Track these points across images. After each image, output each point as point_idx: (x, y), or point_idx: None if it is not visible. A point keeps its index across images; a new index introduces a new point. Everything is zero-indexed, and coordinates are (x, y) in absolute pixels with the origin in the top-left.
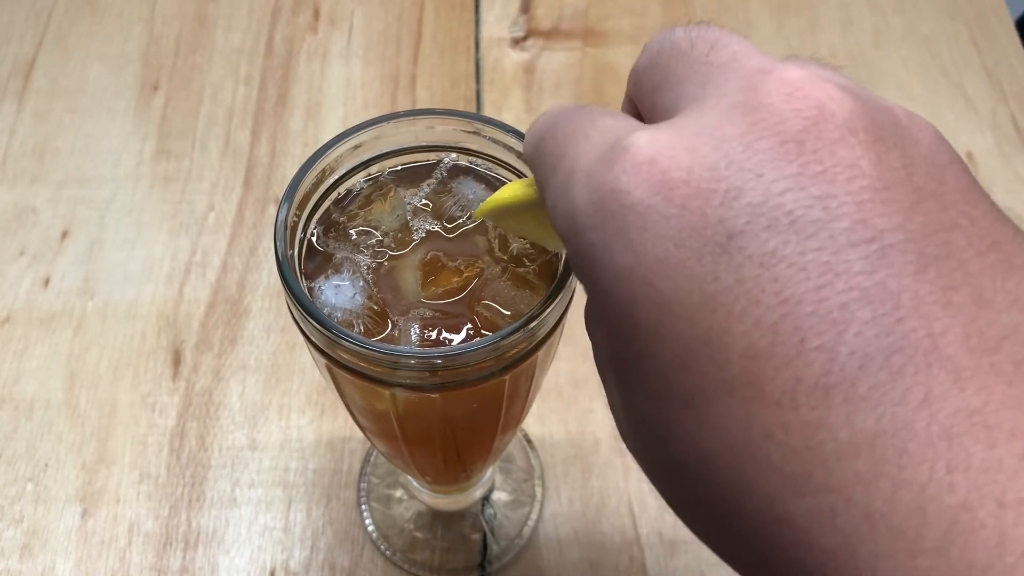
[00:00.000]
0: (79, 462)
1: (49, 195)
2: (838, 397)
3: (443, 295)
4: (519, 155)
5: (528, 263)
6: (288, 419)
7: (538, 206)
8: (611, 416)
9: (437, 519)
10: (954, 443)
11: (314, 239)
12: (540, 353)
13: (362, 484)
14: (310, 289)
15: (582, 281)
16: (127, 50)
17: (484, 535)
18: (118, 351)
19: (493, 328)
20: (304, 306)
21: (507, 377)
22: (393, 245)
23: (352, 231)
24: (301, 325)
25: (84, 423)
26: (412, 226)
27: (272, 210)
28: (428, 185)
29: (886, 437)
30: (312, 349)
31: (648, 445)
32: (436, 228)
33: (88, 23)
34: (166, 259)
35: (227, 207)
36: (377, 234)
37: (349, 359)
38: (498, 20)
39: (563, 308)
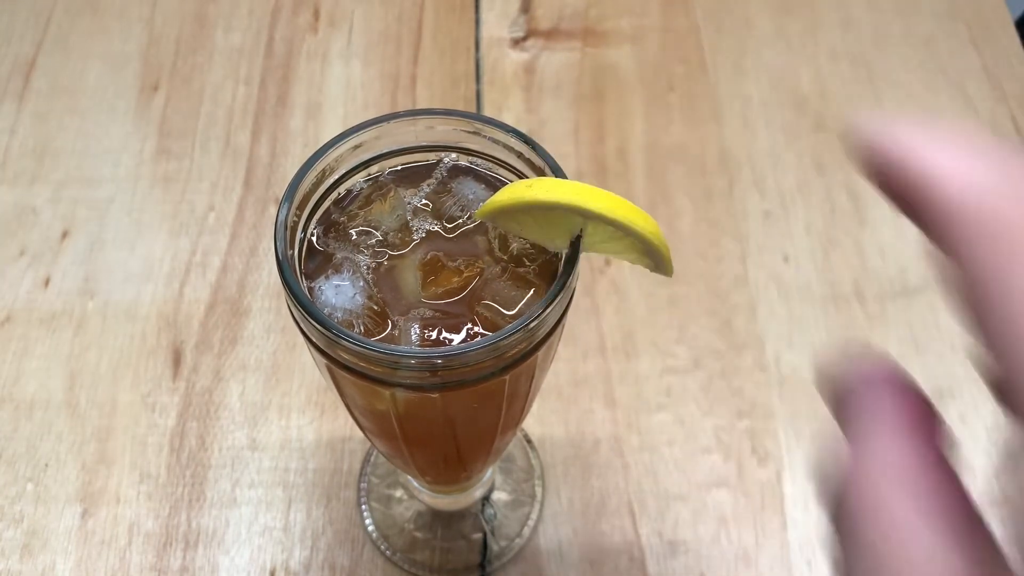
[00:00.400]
0: (79, 462)
1: (49, 195)
2: None
3: (443, 295)
4: (519, 155)
5: (528, 263)
6: (288, 419)
7: (538, 208)
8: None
9: (437, 519)
10: None
11: (314, 239)
12: (540, 353)
13: (362, 484)
14: (310, 289)
15: None
16: (127, 50)
17: (484, 535)
18: (118, 351)
19: (493, 328)
20: (304, 306)
21: (507, 377)
22: (393, 245)
23: (352, 231)
24: (301, 325)
25: (84, 423)
26: (412, 226)
27: (272, 210)
28: (428, 185)
29: None
30: (312, 349)
31: None
32: (436, 228)
33: (88, 23)
34: (166, 259)
35: (227, 207)
36: (377, 234)
37: (349, 359)
38: (498, 20)
39: (563, 308)
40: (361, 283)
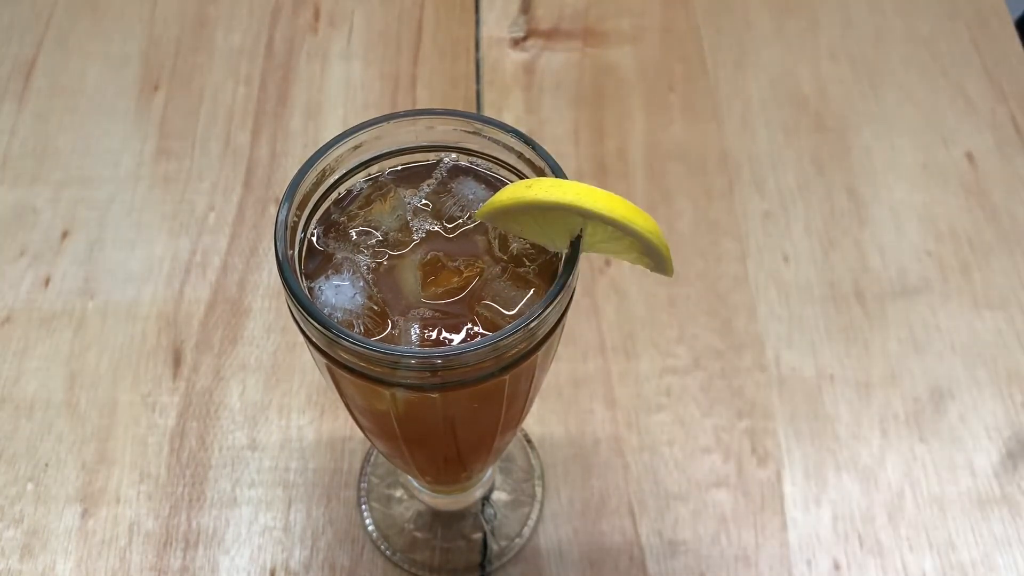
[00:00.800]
0: (79, 462)
1: (49, 195)
2: None
3: (443, 295)
4: (519, 155)
5: (528, 263)
6: (288, 419)
7: (537, 208)
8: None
9: (437, 519)
10: None
11: (314, 239)
12: (540, 353)
13: (362, 484)
14: (310, 289)
15: None
16: (127, 50)
17: (484, 535)
18: (118, 351)
19: (493, 328)
20: (304, 306)
21: (507, 377)
22: (393, 245)
23: (352, 231)
24: (301, 325)
25: (84, 423)
26: (412, 226)
27: (272, 210)
28: (428, 185)
29: None
30: (312, 349)
31: None
32: (436, 228)
33: (88, 23)
34: (166, 259)
35: (227, 207)
36: (377, 234)
37: (349, 359)
38: (498, 20)
39: (563, 308)
40: (361, 283)
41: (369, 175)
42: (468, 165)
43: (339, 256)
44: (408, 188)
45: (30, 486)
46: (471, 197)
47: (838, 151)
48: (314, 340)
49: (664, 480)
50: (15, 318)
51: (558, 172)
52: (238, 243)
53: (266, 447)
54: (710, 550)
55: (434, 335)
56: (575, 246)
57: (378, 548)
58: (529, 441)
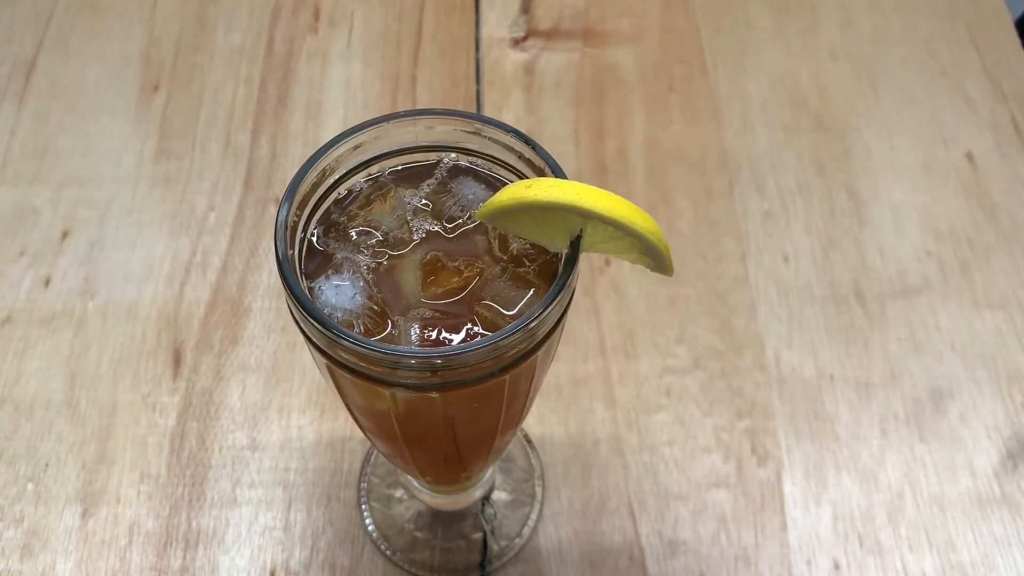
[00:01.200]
0: (79, 462)
1: (49, 195)
2: None
3: (443, 295)
4: (519, 155)
5: (528, 263)
6: (288, 419)
7: (537, 208)
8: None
9: (437, 519)
10: None
11: (314, 239)
12: (540, 353)
13: (362, 484)
14: (310, 289)
15: None
16: (127, 50)
17: (484, 535)
18: (118, 351)
19: (493, 328)
20: (304, 306)
21: (507, 377)
22: (393, 245)
23: (352, 231)
24: (301, 325)
25: (84, 423)
26: (412, 226)
27: (272, 210)
28: (428, 185)
29: None
30: (312, 349)
31: None
32: (436, 228)
33: (88, 23)
34: (166, 259)
35: (227, 207)
36: (377, 234)
37: (349, 359)
38: (498, 20)
39: (563, 308)
40: (361, 283)
41: (369, 175)
42: (468, 165)
43: (339, 256)
44: (408, 188)
45: (30, 486)
46: (471, 197)
47: (838, 151)
48: (314, 340)
49: (664, 480)
50: (15, 318)
51: (558, 172)
52: (238, 243)
53: (266, 447)
54: (710, 550)
55: (434, 335)
56: (575, 246)
57: (378, 548)
58: (529, 441)
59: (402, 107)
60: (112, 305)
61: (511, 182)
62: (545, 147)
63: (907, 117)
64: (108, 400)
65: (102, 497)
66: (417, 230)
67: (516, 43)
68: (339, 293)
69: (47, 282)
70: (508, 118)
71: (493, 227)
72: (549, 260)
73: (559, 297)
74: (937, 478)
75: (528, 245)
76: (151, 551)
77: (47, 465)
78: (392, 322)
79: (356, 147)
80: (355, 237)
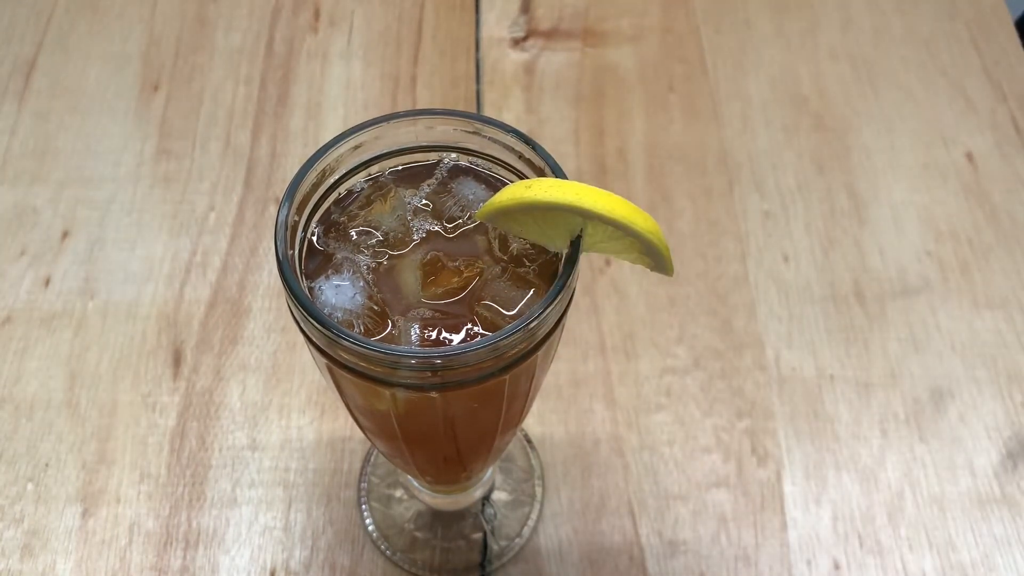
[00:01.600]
0: (79, 462)
1: (50, 195)
2: None
3: (443, 295)
4: (519, 155)
5: (528, 263)
6: (288, 419)
7: (537, 208)
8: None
9: (437, 519)
10: None
11: (314, 239)
12: (540, 353)
13: (362, 484)
14: (310, 289)
15: None
16: (127, 50)
17: (484, 535)
18: (118, 351)
19: (493, 328)
20: (304, 306)
21: (507, 377)
22: (393, 245)
23: (352, 231)
24: (301, 325)
25: (84, 423)
26: (412, 226)
27: (272, 210)
28: (428, 185)
29: None
30: (312, 349)
31: None
32: (436, 228)
33: (88, 23)
34: (166, 259)
35: (227, 207)
36: (377, 234)
37: (349, 359)
38: (498, 20)
39: (563, 308)
40: (361, 283)
41: (369, 175)
42: (468, 165)
43: (339, 256)
44: (408, 188)
45: (30, 486)
46: (471, 197)
47: (838, 151)
48: (314, 340)
49: (664, 480)
50: (15, 318)
51: (558, 172)
52: (238, 243)
53: (266, 447)
54: (710, 550)
55: (434, 335)
56: (575, 246)
57: (378, 548)
58: (529, 441)
59: (402, 107)
60: (112, 305)
61: (511, 182)
62: (545, 147)
63: (907, 117)
64: (108, 400)
65: (102, 497)
66: (417, 230)
67: (516, 43)
68: (339, 293)
69: (47, 282)
70: (508, 118)
71: (493, 227)
72: (549, 260)
73: (559, 297)
74: (937, 478)
75: (528, 245)
76: (151, 551)
77: (47, 465)
78: (392, 322)
79: (356, 147)
80: (355, 237)
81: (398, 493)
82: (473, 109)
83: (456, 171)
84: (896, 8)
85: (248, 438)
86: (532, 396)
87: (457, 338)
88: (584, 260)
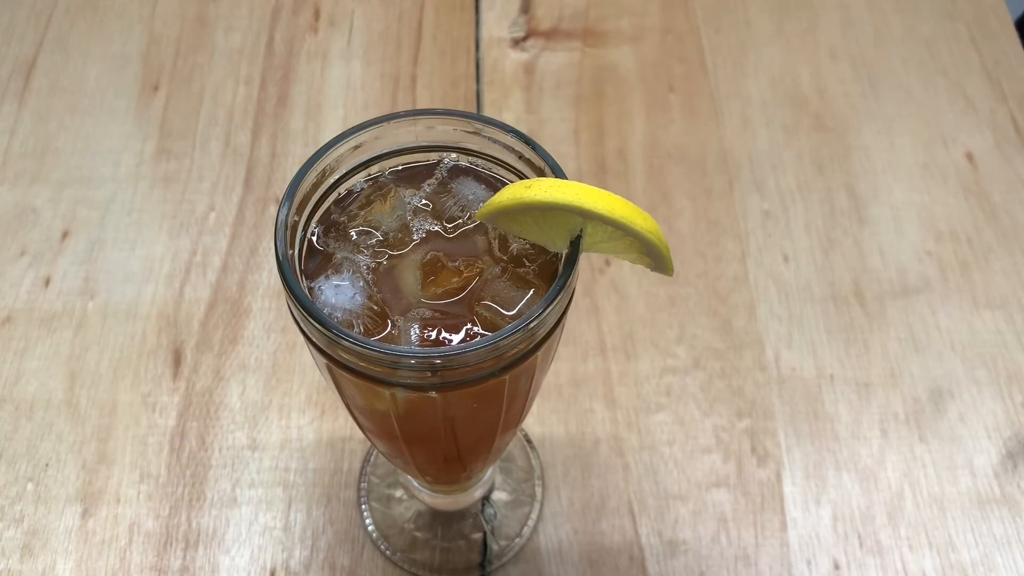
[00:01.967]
0: (79, 462)
1: (49, 195)
2: None
3: (443, 295)
4: (519, 155)
5: (528, 263)
6: (288, 419)
7: (537, 208)
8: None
9: (437, 519)
10: None
11: (314, 239)
12: (540, 353)
13: (362, 484)
14: (310, 289)
15: None
16: (127, 50)
17: (484, 535)
18: (118, 351)
19: (493, 328)
20: (304, 306)
21: (507, 377)
22: (393, 245)
23: (352, 231)
24: (301, 325)
25: (84, 423)
26: (412, 226)
27: (272, 210)
28: (428, 185)
29: None
30: (312, 349)
31: None
32: (436, 228)
33: (88, 23)
34: (166, 259)
35: (227, 207)
36: (377, 234)
37: (349, 359)
38: (498, 20)
39: (563, 308)
40: (361, 283)
41: (369, 175)
42: (468, 165)
43: (339, 256)
44: (408, 188)
45: (30, 486)
46: (471, 197)
47: (838, 151)
48: (314, 340)
49: (664, 480)
50: (15, 318)
51: (558, 172)
52: (238, 243)
53: (266, 447)
54: (710, 550)
55: (434, 335)
56: (575, 246)
57: (378, 548)
58: (529, 441)
59: (402, 107)
60: (112, 305)
61: (511, 182)
62: (545, 147)
63: (907, 117)
64: (108, 400)
65: (102, 497)
66: (417, 230)
67: (516, 43)
68: (339, 293)
69: (47, 282)
70: (508, 118)
71: (493, 227)
72: (549, 260)
73: (559, 297)
74: (937, 478)
75: (528, 245)
76: (151, 551)
77: (47, 465)
78: (392, 322)
79: (356, 147)
80: (355, 237)
81: (398, 493)
82: (473, 109)
83: (456, 171)
84: (896, 8)
85: (248, 438)
86: (532, 396)
87: (457, 338)
88: (584, 260)
